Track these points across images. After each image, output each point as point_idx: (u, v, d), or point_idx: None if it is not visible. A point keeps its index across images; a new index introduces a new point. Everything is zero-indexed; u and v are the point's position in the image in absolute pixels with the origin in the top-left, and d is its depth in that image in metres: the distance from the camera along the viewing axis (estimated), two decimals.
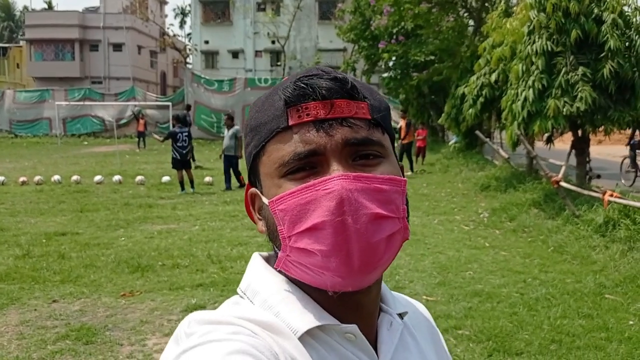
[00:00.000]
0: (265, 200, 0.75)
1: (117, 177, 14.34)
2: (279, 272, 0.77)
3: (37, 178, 14.08)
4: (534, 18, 8.51)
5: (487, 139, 16.65)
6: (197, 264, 6.70)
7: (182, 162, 12.57)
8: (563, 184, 8.38)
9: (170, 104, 31.74)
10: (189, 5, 47.57)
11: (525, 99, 8.43)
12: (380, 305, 0.82)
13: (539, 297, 5.42)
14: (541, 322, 4.79)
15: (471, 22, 20.75)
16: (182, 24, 66.66)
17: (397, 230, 0.71)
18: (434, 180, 15.02)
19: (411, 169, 16.81)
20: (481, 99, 13.02)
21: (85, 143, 31.04)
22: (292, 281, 0.76)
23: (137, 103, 32.18)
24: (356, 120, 0.72)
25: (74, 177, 14.29)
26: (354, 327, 0.74)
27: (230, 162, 13.13)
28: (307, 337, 0.72)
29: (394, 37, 21.39)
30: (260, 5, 42.11)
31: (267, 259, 0.81)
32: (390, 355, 0.78)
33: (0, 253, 7.25)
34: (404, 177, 0.78)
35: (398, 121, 20.09)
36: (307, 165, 0.71)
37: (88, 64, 44.36)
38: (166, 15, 54.15)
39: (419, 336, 0.87)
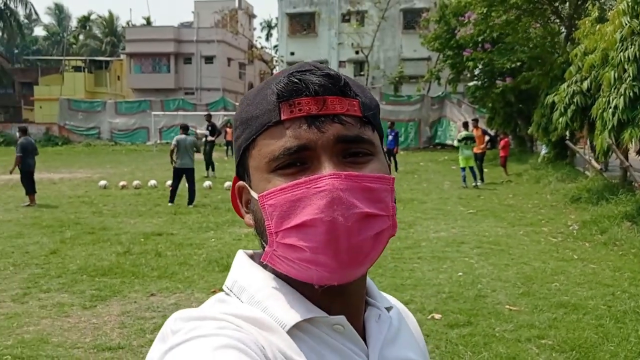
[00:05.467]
0: (254, 194, 0.75)
1: (207, 183, 15.12)
2: (265, 267, 0.78)
3: (135, 182, 15.10)
4: (626, 24, 8.20)
5: (579, 149, 16.04)
6: None
7: None
8: None
9: None
10: (276, 18, 48.92)
11: (616, 107, 8.12)
12: (367, 299, 0.83)
13: (627, 310, 5.24)
14: (628, 334, 4.66)
15: (562, 29, 20.02)
16: (268, 36, 68.56)
17: (385, 227, 0.72)
18: (521, 191, 14.62)
19: (481, 179, 16.03)
20: (572, 107, 12.54)
21: None
22: (279, 276, 0.77)
23: (226, 113, 33.45)
24: (347, 117, 0.72)
25: (168, 182, 15.06)
26: (341, 318, 0.74)
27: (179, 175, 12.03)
28: (296, 331, 0.72)
29: (480, 45, 20.98)
30: (345, 16, 42.59)
31: (252, 257, 0.82)
32: (380, 346, 0.78)
33: (104, 250, 7.89)
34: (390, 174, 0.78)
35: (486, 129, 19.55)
36: (298, 161, 0.71)
37: (182, 76, 46.59)
38: (254, 29, 55.86)
39: (405, 331, 0.88)
